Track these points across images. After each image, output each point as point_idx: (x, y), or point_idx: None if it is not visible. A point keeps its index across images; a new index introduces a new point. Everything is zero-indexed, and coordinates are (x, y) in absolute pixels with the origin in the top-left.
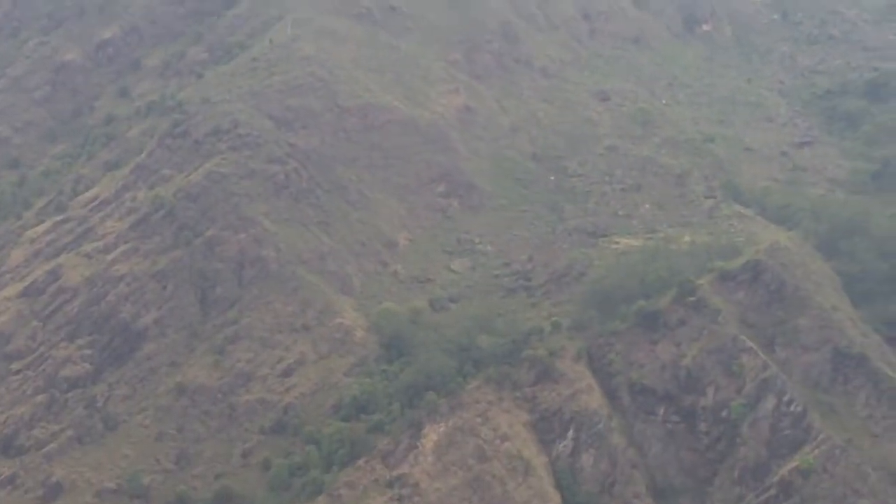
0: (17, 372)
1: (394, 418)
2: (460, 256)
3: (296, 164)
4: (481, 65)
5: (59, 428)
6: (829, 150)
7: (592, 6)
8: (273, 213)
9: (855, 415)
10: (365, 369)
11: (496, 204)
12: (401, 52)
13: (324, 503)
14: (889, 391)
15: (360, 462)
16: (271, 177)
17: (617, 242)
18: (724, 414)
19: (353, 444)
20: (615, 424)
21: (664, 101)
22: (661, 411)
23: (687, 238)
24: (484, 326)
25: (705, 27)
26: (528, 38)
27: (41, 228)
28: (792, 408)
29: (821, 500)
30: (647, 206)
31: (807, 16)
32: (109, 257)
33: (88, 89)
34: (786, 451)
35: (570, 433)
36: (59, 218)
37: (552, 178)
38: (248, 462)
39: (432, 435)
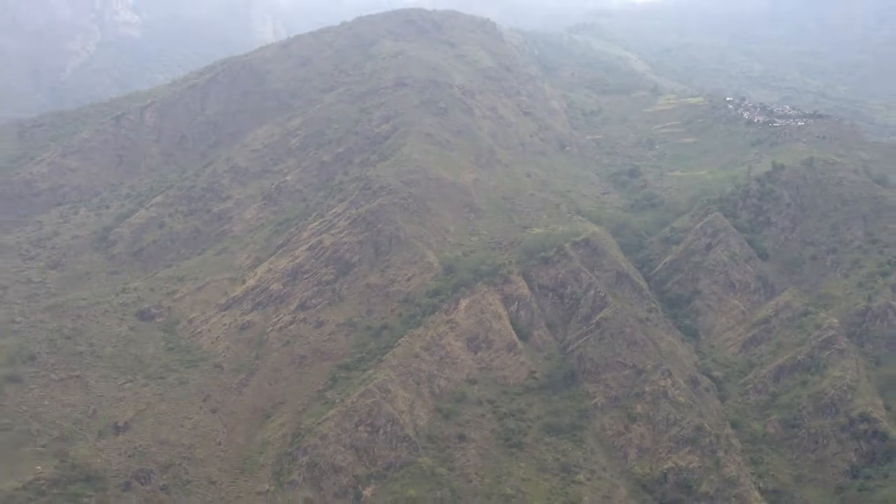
0: None
1: (448, 297)
2: (472, 236)
3: (413, 199)
4: (481, 163)
5: None
6: (615, 195)
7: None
8: (404, 218)
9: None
10: (436, 277)
11: (489, 216)
12: (451, 158)
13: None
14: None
15: (433, 316)
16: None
17: (534, 230)
18: (591, 293)
19: (433, 308)
20: (533, 299)
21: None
22: (550, 295)
23: (560, 228)
24: (483, 261)
25: None
26: (503, 150)
27: None
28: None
29: None
30: (545, 216)
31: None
32: None
33: None
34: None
35: (516, 304)
36: None
37: (510, 207)
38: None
39: (463, 303)
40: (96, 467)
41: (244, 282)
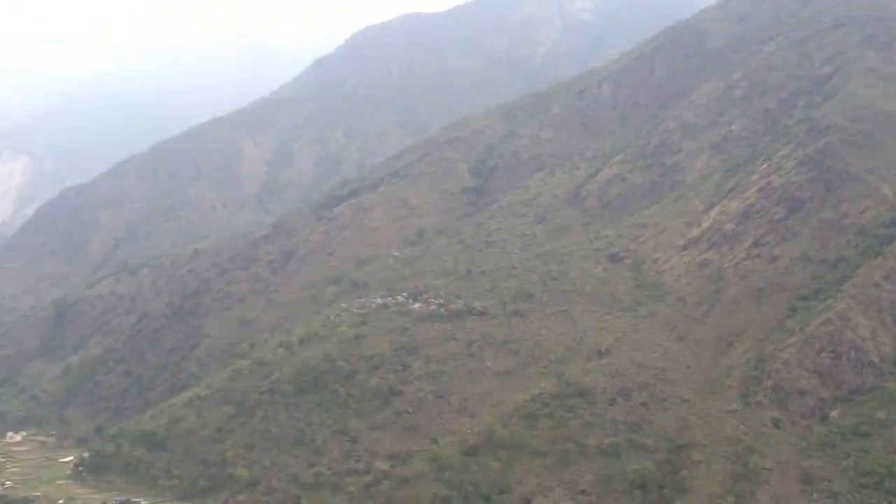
0: None
1: None
2: None
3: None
4: None
5: None
6: None
7: None
8: (853, 154)
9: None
10: (892, 208)
11: None
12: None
13: None
14: None
15: (891, 245)
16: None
17: None
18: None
19: (890, 238)
20: None
21: None
22: None
23: None
24: None
25: None
26: None
27: None
28: None
29: None
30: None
31: None
32: None
33: None
34: None
35: None
36: None
37: None
38: None
39: None
40: (587, 385)
41: (699, 224)
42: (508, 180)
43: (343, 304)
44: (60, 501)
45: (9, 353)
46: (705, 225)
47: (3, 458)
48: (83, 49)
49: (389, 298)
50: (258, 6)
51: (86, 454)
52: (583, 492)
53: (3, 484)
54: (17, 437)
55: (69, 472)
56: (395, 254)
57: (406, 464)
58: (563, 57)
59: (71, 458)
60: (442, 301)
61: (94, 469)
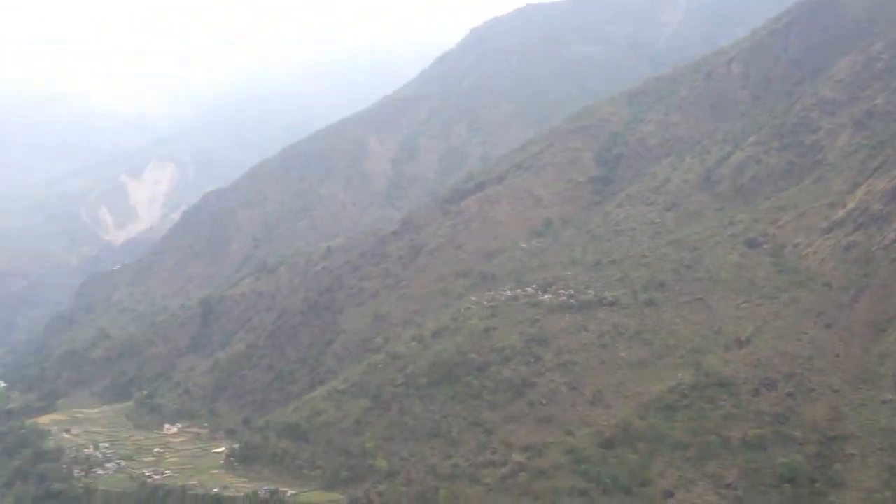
0: None
1: None
2: None
3: None
4: None
5: None
6: None
7: None
8: None
9: None
10: None
11: None
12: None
13: None
14: None
15: None
16: None
17: None
18: None
19: None
20: None
21: None
22: None
23: None
24: None
25: None
26: None
27: None
28: None
29: None
30: None
31: None
32: None
33: None
34: None
35: None
36: None
37: None
38: None
39: None
40: (727, 375)
41: (844, 205)
42: (635, 167)
43: (473, 297)
44: (215, 490)
45: (162, 351)
46: (850, 205)
47: (161, 448)
48: (214, 62)
49: (519, 290)
50: (376, 9)
51: (236, 445)
52: (728, 486)
53: (162, 473)
54: (174, 429)
55: (221, 462)
56: (523, 245)
57: (542, 456)
58: (688, 37)
59: (223, 448)
60: (572, 292)
61: (244, 459)
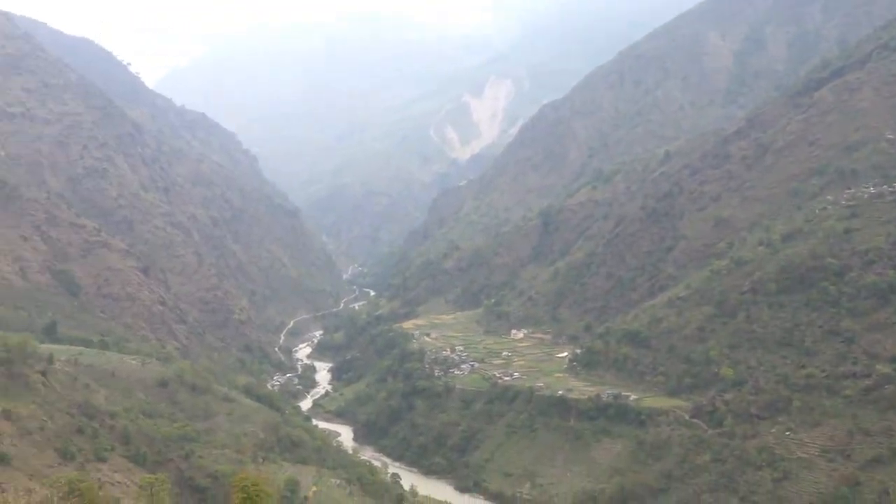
0: None
1: None
2: None
3: None
4: None
5: None
6: None
7: None
8: None
9: None
10: None
11: None
12: None
13: None
14: None
15: None
16: None
17: None
18: None
19: None
20: None
21: None
22: None
23: None
24: None
25: None
26: None
27: None
28: None
29: None
30: None
31: None
32: None
33: None
34: None
35: None
36: None
37: None
38: None
39: None
40: None
41: None
42: None
43: (829, 197)
44: (560, 392)
45: (507, 260)
46: None
47: (509, 352)
48: None
49: (885, 186)
50: None
51: (578, 350)
52: None
53: (511, 374)
54: (520, 335)
55: (565, 366)
56: (889, 136)
57: None
58: None
59: (565, 353)
60: None
61: (585, 364)
